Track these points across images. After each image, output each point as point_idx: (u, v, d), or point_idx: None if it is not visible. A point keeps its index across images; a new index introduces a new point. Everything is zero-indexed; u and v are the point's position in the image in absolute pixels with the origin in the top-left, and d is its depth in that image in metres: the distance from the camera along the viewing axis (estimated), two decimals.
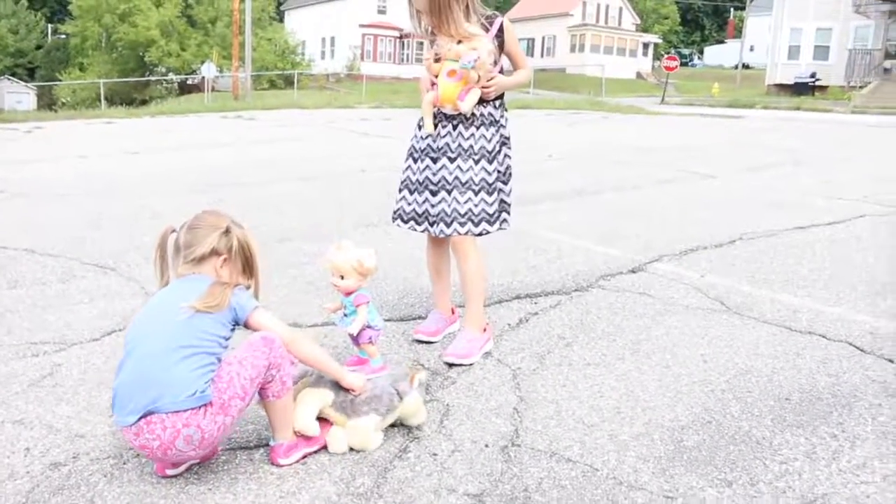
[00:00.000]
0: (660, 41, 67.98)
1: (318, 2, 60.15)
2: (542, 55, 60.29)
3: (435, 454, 2.56)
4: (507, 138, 3.56)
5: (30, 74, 61.38)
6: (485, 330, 3.53)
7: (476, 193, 3.42)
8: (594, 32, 59.06)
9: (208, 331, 2.36)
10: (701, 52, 78.97)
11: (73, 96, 45.13)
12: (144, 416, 2.25)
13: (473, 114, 3.41)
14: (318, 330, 3.76)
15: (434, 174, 3.48)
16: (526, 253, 5.30)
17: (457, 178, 3.43)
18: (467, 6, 3.32)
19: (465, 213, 3.41)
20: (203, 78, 36.55)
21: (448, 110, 3.41)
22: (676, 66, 38.69)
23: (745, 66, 54.95)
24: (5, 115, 23.12)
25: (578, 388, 3.12)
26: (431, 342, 3.61)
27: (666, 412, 2.90)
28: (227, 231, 2.54)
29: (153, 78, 47.74)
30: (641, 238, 5.82)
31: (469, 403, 2.96)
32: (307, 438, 2.54)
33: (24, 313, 4.07)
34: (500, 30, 3.43)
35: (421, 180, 3.53)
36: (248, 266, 2.58)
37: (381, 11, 57.69)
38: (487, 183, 3.45)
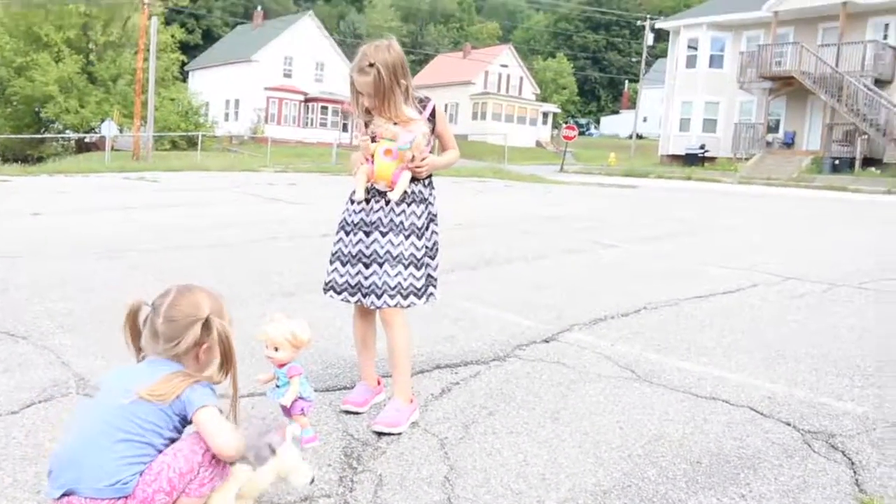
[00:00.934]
0: (558, 111, 70.48)
1: (223, 63, 60.10)
2: None
3: None
4: (435, 215, 3.74)
5: None
6: (411, 400, 3.65)
7: (406, 267, 3.57)
8: (496, 101, 60.86)
9: (149, 420, 2.30)
10: (597, 122, 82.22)
11: None
12: (66, 493, 2.25)
13: (405, 191, 3.58)
14: (247, 400, 3.80)
15: (367, 247, 3.62)
16: (442, 323, 5.45)
17: (388, 251, 3.57)
18: (406, 90, 3.52)
19: (395, 287, 3.55)
20: (102, 136, 35.79)
21: (381, 187, 3.58)
22: (575, 136, 40.21)
23: (640, 136, 57.42)
24: None
25: (504, 455, 3.25)
26: (359, 412, 3.69)
27: (588, 477, 3.06)
28: (207, 323, 2.47)
29: (49, 135, 46.45)
30: (552, 308, 6.06)
31: (401, 473, 3.05)
32: None
33: None
34: (433, 113, 3.64)
35: (354, 253, 3.66)
36: (225, 359, 2.51)
37: (287, 75, 58.04)
38: (416, 258, 3.61)
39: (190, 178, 20.71)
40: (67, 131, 46.57)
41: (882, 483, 3.14)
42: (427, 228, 3.69)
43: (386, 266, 3.55)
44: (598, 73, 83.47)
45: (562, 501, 2.85)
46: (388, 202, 3.58)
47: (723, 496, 2.96)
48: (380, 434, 3.43)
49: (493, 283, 7.15)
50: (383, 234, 3.58)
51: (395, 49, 3.51)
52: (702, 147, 39.89)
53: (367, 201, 3.62)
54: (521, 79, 66.86)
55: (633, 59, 78.47)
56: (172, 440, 2.35)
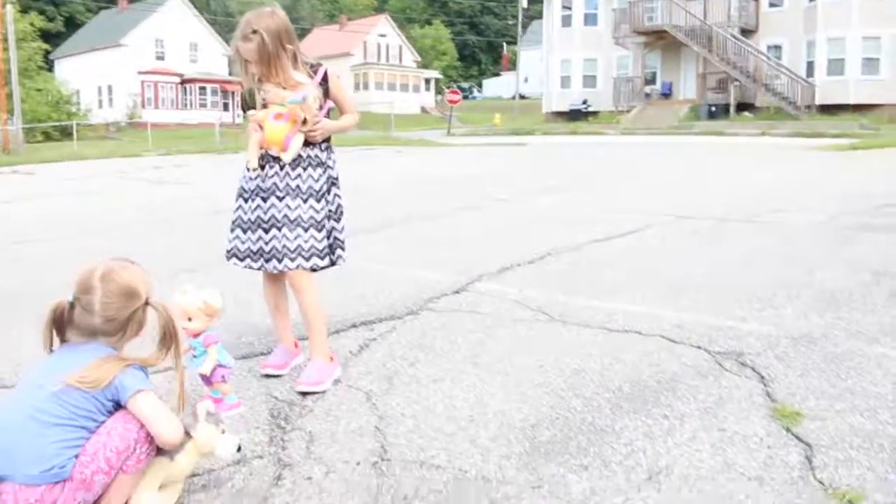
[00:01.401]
0: (440, 76, 70.53)
1: (90, 49, 57.50)
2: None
3: (310, 478, 2.62)
4: (336, 178, 3.70)
5: None
6: (332, 359, 3.62)
7: (305, 230, 3.52)
8: (377, 70, 60.48)
9: (80, 406, 2.20)
10: (480, 85, 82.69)
11: None
12: None
13: (300, 155, 3.53)
14: (165, 374, 3.69)
15: (265, 212, 3.55)
16: (352, 283, 5.40)
17: (286, 215, 3.52)
18: (294, 55, 3.45)
19: (296, 249, 3.50)
20: None
21: (274, 152, 3.50)
22: (459, 100, 40.39)
23: (522, 97, 58.11)
24: None
25: (431, 401, 3.27)
26: (280, 375, 3.65)
27: (515, 414, 3.11)
28: (147, 304, 2.39)
29: None
30: (458, 261, 6.10)
31: (331, 428, 3.04)
32: None
33: None
34: (325, 77, 3.59)
35: (253, 219, 3.59)
36: (166, 341, 2.41)
37: (160, 57, 56.04)
38: (316, 220, 3.56)
39: (69, 168, 19.82)
40: None
41: (790, 392, 3.31)
42: (328, 192, 3.64)
43: (285, 230, 3.50)
44: (476, 38, 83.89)
45: (493, 437, 2.89)
46: (282, 167, 3.52)
47: (647, 418, 3.06)
48: (304, 394, 3.40)
49: (394, 243, 7.15)
50: (280, 199, 3.52)
51: (279, 15, 3.45)
52: (584, 102, 40.76)
53: (262, 167, 3.55)
54: (401, 47, 66.55)
55: (510, 22, 79.12)
56: (104, 422, 2.25)
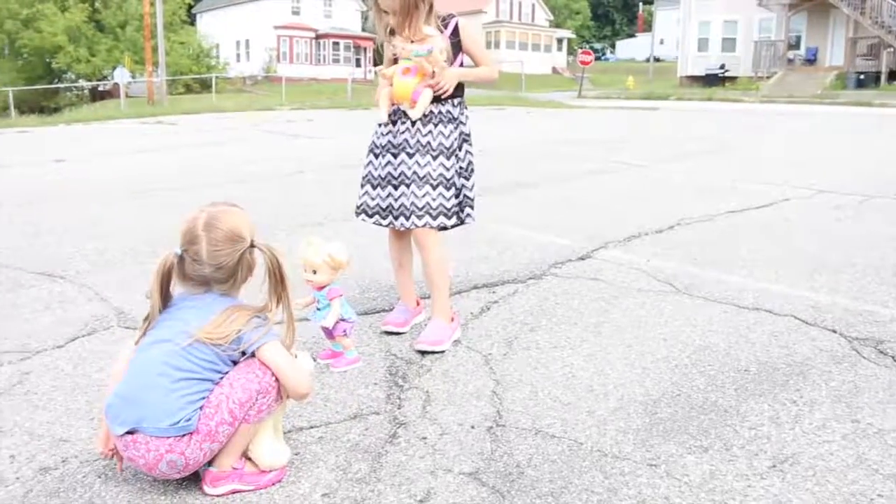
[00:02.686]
0: (573, 36, 69.20)
1: (230, 4, 59.27)
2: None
3: (424, 438, 2.64)
4: (468, 135, 3.66)
5: None
6: (452, 319, 3.62)
7: (434, 188, 3.51)
8: (508, 29, 59.80)
9: (206, 359, 2.27)
10: (613, 47, 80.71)
11: None
12: (130, 432, 2.25)
13: (431, 111, 3.51)
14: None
15: (395, 169, 3.57)
16: (476, 245, 5.40)
17: (415, 172, 3.52)
18: (430, 8, 3.41)
19: (423, 207, 3.50)
20: (115, 84, 35.62)
21: (405, 108, 3.50)
22: (591, 61, 39.52)
23: (657, 60, 56.41)
24: None
25: (550, 369, 3.23)
26: (400, 333, 3.68)
27: (636, 388, 3.04)
28: (253, 247, 2.39)
29: (62, 85, 46.28)
30: (584, 227, 6.00)
31: (448, 389, 3.05)
32: (259, 473, 2.37)
33: None
34: (456, 30, 3.53)
35: (383, 175, 3.61)
36: (277, 286, 2.40)
37: (296, 12, 57.19)
38: (445, 178, 3.53)
39: (208, 120, 20.60)
40: (80, 80, 46.38)
41: None
42: (459, 149, 3.61)
43: (413, 187, 3.50)
44: None
45: (612, 410, 2.83)
46: (413, 123, 3.51)
47: (773, 402, 2.92)
48: (423, 353, 3.42)
49: (522, 205, 7.08)
50: (410, 156, 3.52)
51: None
52: (721, 67, 39.17)
53: (394, 123, 3.55)
54: (533, 5, 65.42)
55: None
56: (228, 372, 2.31)
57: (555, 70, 60.87)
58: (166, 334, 2.31)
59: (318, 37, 57.20)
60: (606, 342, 3.54)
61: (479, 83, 3.79)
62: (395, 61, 3.51)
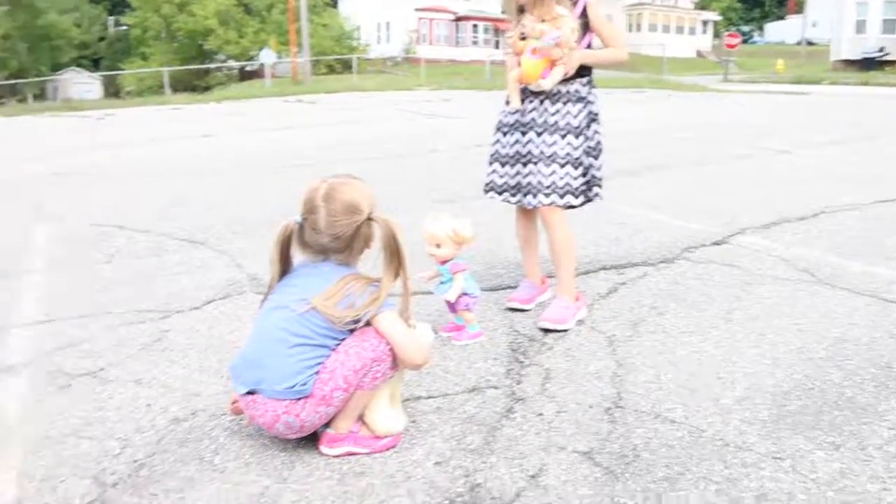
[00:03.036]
0: (719, 18, 66.65)
1: None
2: None
3: (541, 414, 2.61)
4: (596, 115, 3.59)
5: (94, 65, 62.90)
6: (577, 298, 3.57)
7: (561, 167, 3.46)
8: (651, 11, 58.21)
9: (322, 325, 2.32)
10: (761, 29, 77.26)
11: (139, 84, 46.06)
12: (251, 392, 2.34)
13: (559, 90, 3.45)
14: (414, 299, 3.83)
15: (523, 147, 3.54)
16: (606, 226, 5.30)
17: (542, 151, 3.48)
18: None
19: (550, 185, 3.45)
20: (262, 64, 36.91)
21: (533, 87, 3.45)
22: (738, 44, 37.98)
23: (809, 43, 53.60)
24: (77, 104, 23.79)
25: (675, 354, 3.14)
26: (524, 310, 3.66)
27: (766, 378, 2.90)
28: (370, 219, 2.41)
29: (213, 65, 48.41)
30: (721, 212, 5.78)
31: (569, 367, 3.00)
32: (374, 438, 2.41)
33: (125, 284, 4.24)
34: (584, 9, 3.46)
35: (511, 153, 3.59)
36: (392, 259, 2.40)
37: None
38: (573, 157, 3.48)
39: (348, 99, 21.12)
40: (230, 61, 48.35)
41: None
42: (587, 128, 3.54)
43: (541, 165, 3.46)
44: None
45: (738, 399, 2.72)
46: (542, 101, 3.46)
47: None
48: (546, 331, 3.39)
49: (656, 188, 6.89)
50: (538, 134, 3.48)
51: None
52: (881, 50, 36.75)
53: (521, 101, 3.51)
54: None
55: None
56: (344, 339, 2.36)
57: (699, 54, 58.87)
58: (285, 300, 2.38)
59: (457, 19, 57.40)
60: (737, 329, 3.40)
61: (606, 66, 3.68)
62: (523, 39, 3.46)
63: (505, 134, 3.64)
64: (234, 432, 2.53)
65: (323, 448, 2.38)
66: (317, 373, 2.29)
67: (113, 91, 47.54)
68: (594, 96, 3.59)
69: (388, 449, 2.41)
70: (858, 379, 2.90)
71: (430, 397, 2.77)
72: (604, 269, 4.35)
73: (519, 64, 3.46)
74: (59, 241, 5.27)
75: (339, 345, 2.34)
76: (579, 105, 3.50)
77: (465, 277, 3.28)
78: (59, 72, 53.15)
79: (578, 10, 3.45)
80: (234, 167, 8.53)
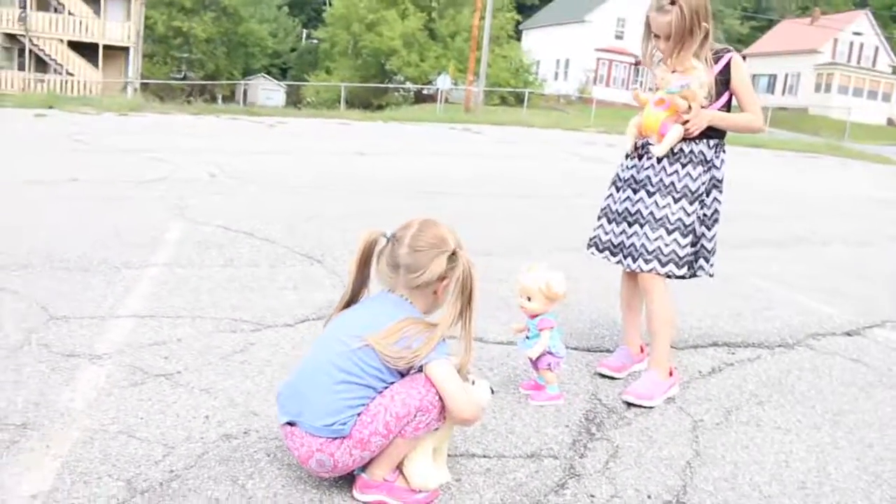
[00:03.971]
0: None
1: (555, 24, 60.51)
2: (783, 93, 57.41)
3: (593, 496, 2.44)
4: (720, 181, 3.36)
5: (282, 74, 66.44)
6: (671, 374, 3.35)
7: (669, 233, 3.25)
8: (843, 72, 55.36)
9: (373, 365, 2.25)
10: None
11: (317, 97, 48.18)
12: (290, 423, 2.30)
13: (682, 150, 3.25)
14: (501, 348, 3.73)
15: (633, 205, 3.37)
16: (731, 299, 4.99)
17: (651, 213, 3.29)
18: (705, 37, 3.16)
19: (653, 251, 3.26)
20: (438, 89, 37.78)
21: (653, 141, 3.28)
22: None
23: None
24: (255, 110, 25.09)
25: (763, 452, 2.87)
26: (615, 378, 3.47)
27: (858, 497, 2.60)
28: (454, 254, 2.37)
29: (391, 85, 50.00)
30: (865, 299, 5.33)
31: (640, 449, 2.81)
32: (410, 490, 2.31)
33: (232, 291, 4.35)
34: (728, 66, 3.24)
35: (620, 210, 3.43)
36: (465, 297, 2.34)
37: (619, 37, 57.10)
38: (684, 224, 3.26)
39: (512, 132, 21.20)
40: (407, 83, 49.79)
41: None
42: (707, 194, 3.32)
43: (647, 228, 3.27)
44: None
45: None
46: (660, 160, 3.27)
47: None
48: (629, 404, 3.19)
49: (799, 263, 6.46)
50: (650, 195, 3.29)
51: None
52: None
53: (640, 157, 3.34)
54: (877, 48, 59.92)
55: None
56: (393, 383, 2.29)
57: (891, 122, 55.44)
58: (341, 332, 2.33)
59: (637, 63, 56.72)
60: (842, 436, 3.08)
61: (737, 132, 3.44)
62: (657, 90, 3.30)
63: (619, 189, 3.49)
64: (277, 459, 2.51)
65: (355, 493, 2.32)
66: (359, 414, 2.23)
67: (295, 100, 49.94)
68: (721, 161, 3.36)
69: None
70: None
71: (484, 456, 2.65)
72: (714, 345, 4.08)
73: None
74: (188, 240, 5.49)
75: (386, 388, 2.27)
76: (700, 168, 3.29)
77: (552, 335, 3.14)
78: (250, 77, 56.46)
79: (720, 65, 3.24)
80: (376, 188, 8.68)
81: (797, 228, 8.28)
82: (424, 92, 48.55)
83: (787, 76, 58.13)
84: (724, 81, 3.26)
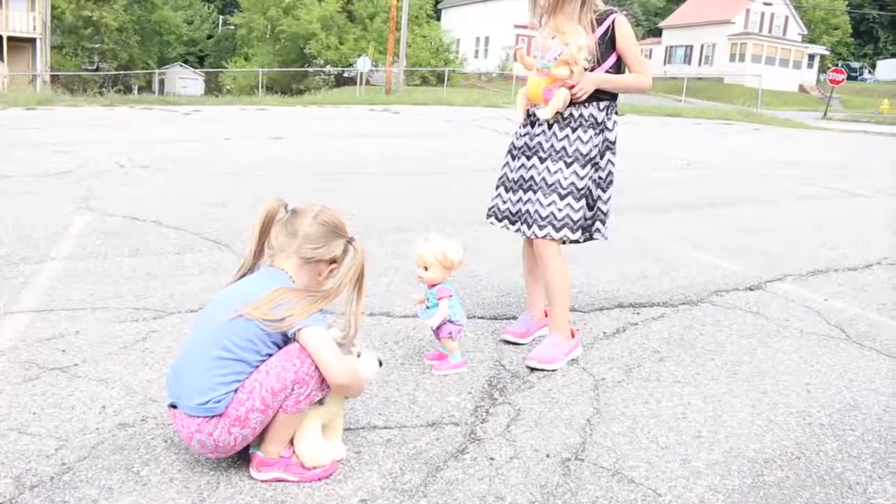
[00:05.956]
0: (827, 53, 64.52)
1: (473, 1, 60.52)
2: (699, 63, 58.59)
3: (492, 458, 2.46)
4: (613, 143, 3.37)
5: (200, 62, 65.05)
6: (573, 336, 3.39)
7: (562, 198, 3.26)
8: (756, 42, 56.71)
9: (245, 336, 2.19)
10: (873, 66, 74.44)
11: (236, 84, 47.30)
12: (173, 405, 2.26)
13: (572, 114, 3.26)
14: (408, 321, 3.72)
15: (527, 172, 3.38)
16: (640, 261, 5.08)
17: (544, 178, 3.30)
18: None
19: (546, 217, 3.27)
20: (358, 72, 37.44)
21: (538, 112, 3.29)
22: (843, 80, 36.57)
23: None
24: (170, 99, 24.50)
25: (661, 405, 2.93)
26: (519, 343, 3.50)
27: (751, 442, 2.67)
28: (351, 241, 2.39)
29: (311, 69, 49.38)
30: (768, 255, 5.48)
31: (541, 410, 2.84)
32: (302, 468, 2.29)
33: (136, 280, 4.24)
34: (612, 28, 3.25)
35: (516, 178, 3.44)
36: (355, 284, 2.34)
37: None
38: (576, 188, 3.28)
39: (431, 112, 21.15)
40: (328, 66, 49.23)
41: None
42: (601, 157, 3.34)
43: (540, 194, 3.28)
44: (877, 12, 74.97)
45: (711, 464, 2.50)
46: (550, 125, 3.28)
47: None
48: (533, 369, 3.22)
49: (708, 224, 6.60)
50: (542, 161, 3.31)
51: None
52: None
53: (532, 125, 3.35)
54: (787, 18, 61.52)
55: None
56: (270, 356, 2.23)
57: (802, 88, 57.05)
58: (217, 306, 2.30)
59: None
60: (738, 385, 3.17)
61: (626, 92, 3.47)
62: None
63: (514, 157, 3.49)
64: (174, 444, 2.45)
65: (252, 472, 2.28)
66: (235, 391, 2.18)
67: (214, 88, 48.95)
68: (613, 122, 3.37)
69: (320, 479, 2.29)
70: (855, 452, 2.65)
71: (385, 427, 2.65)
72: (620, 306, 4.14)
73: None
74: (93, 232, 5.34)
75: (262, 362, 2.21)
76: (592, 131, 3.29)
77: (451, 304, 3.14)
78: (165, 66, 55.11)
79: (603, 27, 3.23)
80: (288, 172, 8.58)
81: (708, 192, 8.47)
82: (345, 75, 48.12)
83: (702, 47, 59.28)
84: (610, 43, 3.27)
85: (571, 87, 3.18)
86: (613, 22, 3.25)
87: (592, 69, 3.22)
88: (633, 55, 3.31)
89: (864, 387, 3.22)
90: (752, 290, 4.59)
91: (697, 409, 2.92)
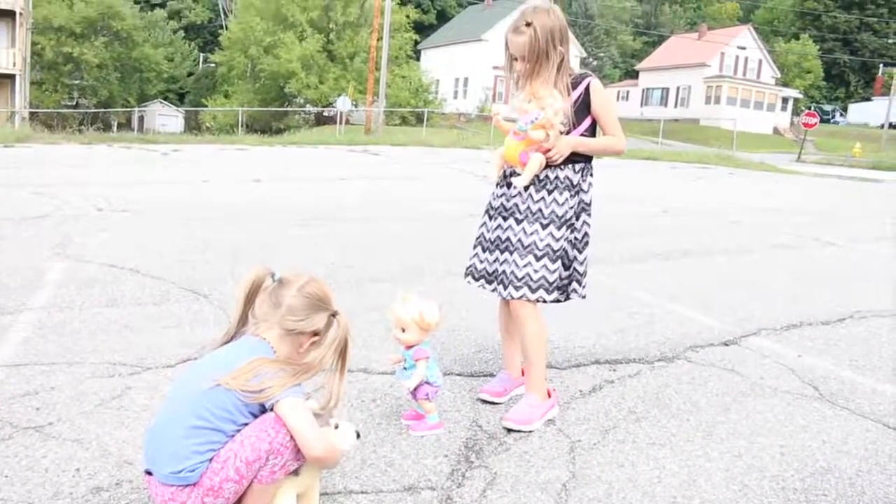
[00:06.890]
0: (800, 96, 65.73)
1: (453, 42, 61.22)
2: (676, 105, 59.48)
3: None
4: (588, 204, 3.42)
5: (180, 99, 65.16)
6: (549, 395, 3.41)
7: (538, 259, 3.30)
8: (731, 84, 57.72)
9: (223, 406, 2.19)
10: (844, 110, 75.82)
11: (216, 122, 47.37)
12: (148, 471, 2.24)
13: (548, 176, 3.31)
14: (385, 379, 3.73)
15: (503, 233, 3.42)
16: (616, 315, 5.12)
17: (520, 240, 3.34)
18: (562, 60, 3.24)
19: (523, 278, 3.30)
20: (338, 111, 37.64)
21: (519, 171, 3.33)
22: (816, 123, 37.22)
23: (893, 126, 52.34)
24: (149, 137, 24.46)
25: (637, 469, 2.95)
26: (495, 403, 3.51)
27: None
28: (335, 315, 2.42)
29: (291, 108, 49.56)
30: (743, 308, 5.54)
31: (517, 474, 2.84)
32: None
33: (112, 333, 4.22)
34: (587, 91, 3.32)
35: (492, 238, 3.48)
36: (338, 358, 2.40)
37: None
38: (552, 250, 3.32)
39: (411, 153, 21.31)
40: (307, 105, 49.44)
41: None
42: (577, 218, 3.39)
43: (516, 255, 3.32)
44: (848, 56, 76.50)
45: None
46: (526, 188, 3.32)
47: None
48: (509, 430, 3.23)
49: (684, 276, 6.67)
50: (518, 222, 3.35)
51: (557, 14, 3.23)
52: None
53: (508, 185, 3.40)
54: (761, 62, 62.76)
55: (890, 41, 71.35)
56: (246, 425, 2.23)
57: (776, 130, 58.01)
58: (197, 373, 2.30)
59: None
60: (713, 447, 3.19)
61: (601, 155, 3.53)
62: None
63: (491, 218, 3.52)
64: None
65: None
66: (210, 460, 2.17)
67: (194, 126, 48.99)
68: (588, 185, 3.42)
69: None
70: None
71: (362, 492, 2.64)
72: (597, 363, 4.17)
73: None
74: (70, 280, 5.31)
75: (237, 432, 2.21)
76: (567, 193, 3.34)
77: (427, 365, 3.15)
78: (145, 103, 55.14)
79: (578, 90, 3.29)
80: (268, 217, 8.58)
81: (684, 241, 8.56)
82: (325, 114, 48.29)
83: (678, 89, 60.23)
84: (585, 106, 3.33)
85: (547, 151, 3.24)
86: (588, 86, 3.31)
87: (568, 132, 3.28)
88: (607, 118, 3.38)
89: (837, 448, 3.26)
90: (727, 345, 4.64)
91: (672, 472, 2.94)
